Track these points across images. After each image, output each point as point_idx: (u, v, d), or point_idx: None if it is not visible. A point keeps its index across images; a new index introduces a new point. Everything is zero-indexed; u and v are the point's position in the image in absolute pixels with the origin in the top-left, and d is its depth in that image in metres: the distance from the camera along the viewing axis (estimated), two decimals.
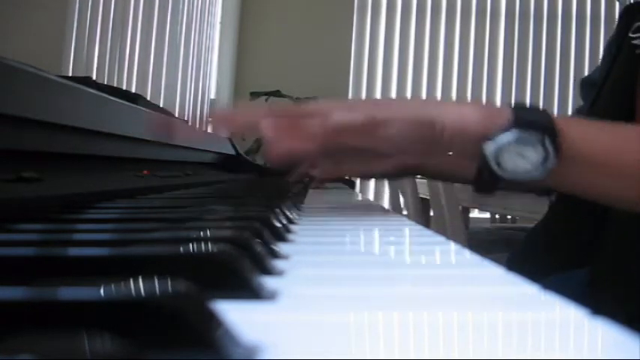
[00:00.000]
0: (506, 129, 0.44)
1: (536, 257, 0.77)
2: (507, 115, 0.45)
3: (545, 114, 0.46)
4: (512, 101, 0.51)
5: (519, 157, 0.44)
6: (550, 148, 0.44)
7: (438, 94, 3.69)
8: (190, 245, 0.20)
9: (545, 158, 0.44)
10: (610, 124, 0.50)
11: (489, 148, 0.45)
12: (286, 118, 0.49)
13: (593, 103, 0.77)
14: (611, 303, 0.63)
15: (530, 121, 0.45)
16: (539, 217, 0.85)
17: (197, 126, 2.90)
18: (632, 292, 0.61)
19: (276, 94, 3.07)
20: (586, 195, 0.51)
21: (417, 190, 1.89)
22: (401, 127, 0.47)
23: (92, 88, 0.50)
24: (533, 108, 0.47)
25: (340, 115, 0.47)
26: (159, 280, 0.14)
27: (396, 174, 0.68)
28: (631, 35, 0.73)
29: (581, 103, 0.99)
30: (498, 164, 0.45)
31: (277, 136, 0.47)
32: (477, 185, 0.48)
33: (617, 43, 0.77)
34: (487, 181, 0.46)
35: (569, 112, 3.22)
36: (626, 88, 0.72)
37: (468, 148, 0.46)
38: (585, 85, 0.95)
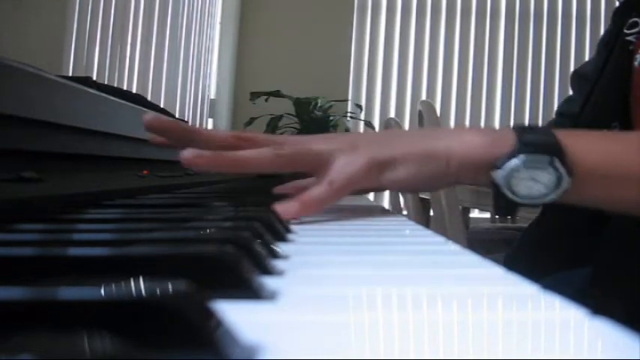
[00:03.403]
0: (512, 155, 0.44)
1: (535, 256, 0.77)
2: (511, 140, 0.44)
3: (549, 133, 0.45)
4: (512, 122, 0.49)
5: (532, 181, 0.44)
6: (561, 169, 0.43)
7: (438, 95, 3.69)
8: (190, 245, 0.20)
9: (559, 179, 0.44)
10: (611, 133, 0.49)
11: (498, 176, 0.44)
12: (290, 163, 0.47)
13: (587, 98, 0.76)
14: (613, 302, 0.63)
15: (536, 143, 0.44)
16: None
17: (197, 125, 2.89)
18: (634, 290, 0.61)
19: (276, 94, 3.06)
20: (611, 208, 0.50)
21: None
22: (407, 165, 0.46)
23: (92, 88, 0.50)
24: (536, 128, 0.46)
25: (341, 166, 0.45)
26: (159, 280, 0.14)
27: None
28: (625, 31, 0.73)
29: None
30: (512, 191, 0.44)
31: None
32: (497, 211, 0.47)
33: (612, 38, 0.77)
34: (505, 206, 0.45)
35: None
36: (620, 84, 0.72)
37: (478, 178, 0.46)
38: (576, 77, 0.95)
